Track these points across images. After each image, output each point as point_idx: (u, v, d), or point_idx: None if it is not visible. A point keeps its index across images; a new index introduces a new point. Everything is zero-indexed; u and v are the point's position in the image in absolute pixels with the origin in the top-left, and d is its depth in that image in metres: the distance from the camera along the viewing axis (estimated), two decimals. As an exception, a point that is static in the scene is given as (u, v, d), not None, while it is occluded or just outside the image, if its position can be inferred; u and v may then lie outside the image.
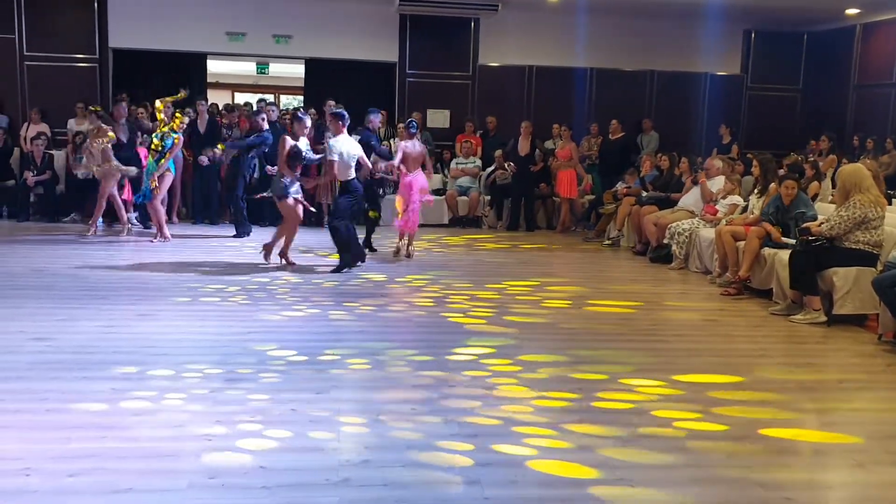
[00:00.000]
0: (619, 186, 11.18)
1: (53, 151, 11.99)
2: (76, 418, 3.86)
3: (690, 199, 9.64)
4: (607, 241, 10.79)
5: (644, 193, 10.47)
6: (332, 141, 8.14)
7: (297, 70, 15.19)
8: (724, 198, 9.02)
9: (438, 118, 14.05)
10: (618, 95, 13.98)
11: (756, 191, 8.45)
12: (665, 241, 9.23)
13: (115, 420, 3.84)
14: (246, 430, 3.77)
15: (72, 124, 12.59)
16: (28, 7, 12.88)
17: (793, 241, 7.13)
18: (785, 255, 6.94)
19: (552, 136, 13.17)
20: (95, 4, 13.03)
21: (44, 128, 12.38)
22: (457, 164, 12.92)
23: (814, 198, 8.71)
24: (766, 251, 7.37)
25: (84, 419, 3.85)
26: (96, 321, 5.73)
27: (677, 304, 7.25)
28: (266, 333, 5.57)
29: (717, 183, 9.28)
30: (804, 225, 6.93)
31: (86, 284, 7.07)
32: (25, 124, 12.55)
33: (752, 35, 14.41)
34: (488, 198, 12.43)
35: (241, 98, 18.23)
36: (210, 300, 6.57)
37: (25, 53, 13.00)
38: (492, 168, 12.54)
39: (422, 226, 12.22)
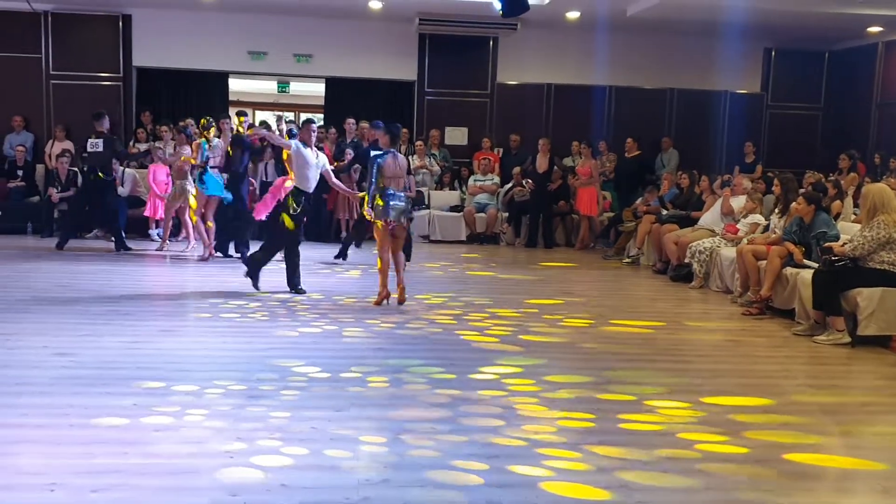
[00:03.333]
0: (639, 204, 11.15)
1: (77, 168, 12.13)
2: (99, 433, 3.88)
3: (711, 217, 9.59)
4: (627, 259, 10.76)
5: (664, 211, 10.43)
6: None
7: (317, 88, 15.31)
8: (745, 216, 8.97)
9: (456, 135, 14.11)
10: (637, 113, 13.97)
11: (777, 210, 8.40)
12: (686, 259, 9.18)
13: (138, 436, 3.86)
14: (267, 447, 3.78)
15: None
16: (54, 27, 13.09)
17: (815, 262, 7.08)
18: (808, 274, 6.88)
19: (571, 154, 13.18)
20: (120, 24, 13.22)
21: (68, 145, 12.53)
22: (475, 181, 12.95)
23: (836, 217, 8.64)
24: (789, 271, 7.31)
25: (107, 434, 3.87)
26: (119, 337, 5.77)
27: (699, 324, 7.20)
28: (286, 350, 5.59)
29: (739, 201, 9.24)
30: (826, 245, 6.87)
31: (109, 300, 7.12)
32: (50, 141, 12.73)
33: (773, 53, 14.37)
34: (506, 215, 12.44)
35: (260, 116, 18.38)
36: (231, 316, 6.61)
37: (51, 72, 13.20)
38: (510, 185, 12.56)
39: (439, 242, 12.37)
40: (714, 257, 8.84)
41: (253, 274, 7.81)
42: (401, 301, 7.30)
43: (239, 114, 10.98)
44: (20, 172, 12.20)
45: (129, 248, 10.33)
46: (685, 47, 13.67)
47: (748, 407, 4.75)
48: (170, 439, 3.84)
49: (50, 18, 13.05)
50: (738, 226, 8.97)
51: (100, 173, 10.33)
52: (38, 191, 12.12)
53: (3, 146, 12.72)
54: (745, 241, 8.42)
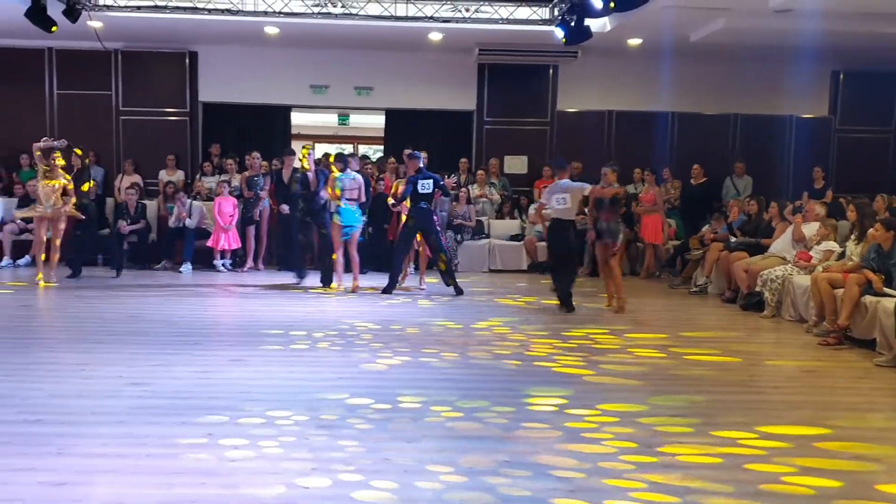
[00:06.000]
0: (706, 231, 10.94)
1: (146, 201, 12.43)
2: (176, 464, 3.89)
3: (782, 244, 9.35)
4: (694, 288, 10.53)
5: (732, 239, 10.20)
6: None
7: (375, 120, 15.47)
8: (818, 243, 8.71)
9: (516, 164, 14.10)
10: (700, 139, 13.79)
11: (853, 237, 8.14)
12: (756, 288, 8.94)
13: (214, 466, 3.86)
14: (342, 479, 3.74)
15: (163, 175, 13.08)
16: (124, 65, 13.52)
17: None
18: (889, 303, 6.62)
19: (633, 181, 13.03)
20: (187, 61, 13.59)
21: (137, 178, 12.88)
22: (535, 209, 12.85)
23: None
24: (868, 299, 7.05)
25: (184, 465, 3.88)
26: (191, 367, 5.83)
27: (773, 354, 6.99)
28: (353, 380, 5.57)
29: (811, 228, 8.98)
30: (909, 271, 6.62)
31: (178, 330, 7.22)
32: (120, 175, 13.09)
33: (841, 76, 14.05)
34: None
35: (321, 148, 18.62)
36: (297, 346, 6.63)
37: (121, 108, 13.61)
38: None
39: (499, 271, 12.30)
40: (787, 285, 8.59)
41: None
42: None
43: (304, 147, 11.12)
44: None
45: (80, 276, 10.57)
46: (749, 72, 13.44)
47: (834, 437, 4.55)
48: (246, 470, 3.83)
49: (120, 56, 13.49)
50: (811, 253, 8.72)
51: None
52: (108, 223, 12.42)
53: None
54: (819, 268, 8.17)
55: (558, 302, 8.88)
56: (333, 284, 10.00)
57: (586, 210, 11.81)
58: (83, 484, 3.62)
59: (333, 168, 9.94)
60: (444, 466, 3.93)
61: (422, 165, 9.82)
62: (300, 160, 10.36)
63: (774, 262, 9.08)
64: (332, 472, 3.81)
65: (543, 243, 12.23)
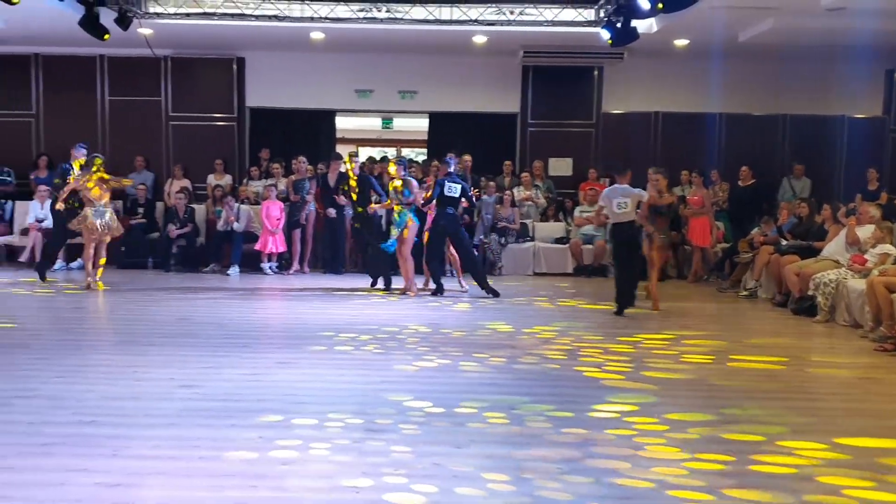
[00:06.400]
0: (755, 234, 10.75)
1: (195, 205, 12.61)
2: (227, 467, 3.92)
3: (835, 247, 9.14)
4: (744, 292, 10.35)
5: (783, 242, 10.01)
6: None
7: (420, 123, 15.50)
8: (873, 247, 8.50)
9: (561, 166, 14.02)
10: (749, 140, 13.57)
11: (910, 239, 7.94)
12: (809, 292, 8.75)
13: (265, 469, 3.89)
14: (392, 483, 3.74)
15: (211, 179, 13.27)
16: (174, 72, 13.76)
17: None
18: (950, 307, 6.43)
19: (680, 183, 12.87)
20: (234, 67, 13.78)
21: (186, 183, 13.08)
22: (581, 212, 12.79)
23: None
24: (927, 303, 6.86)
25: (235, 468, 3.91)
26: (240, 369, 5.89)
27: (827, 360, 6.83)
28: (400, 384, 5.57)
29: (866, 230, 8.77)
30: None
31: (227, 332, 7.31)
32: (169, 180, 13.30)
33: (896, 75, 13.73)
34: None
35: (364, 152, 18.69)
36: (344, 349, 6.66)
37: (170, 114, 13.85)
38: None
39: (544, 275, 12.23)
40: (840, 289, 8.39)
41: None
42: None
43: (351, 154, 11.20)
44: (141, 210, 12.77)
45: (46, 280, 10.46)
46: (799, 71, 13.16)
47: (892, 450, 4.42)
48: (296, 473, 3.85)
49: (169, 63, 13.72)
50: (866, 256, 8.51)
51: (75, 203, 10.29)
52: (157, 227, 12.64)
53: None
54: (875, 272, 7.96)
55: (615, 304, 8.84)
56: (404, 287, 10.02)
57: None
58: (136, 486, 3.66)
59: (392, 172, 9.97)
60: (496, 473, 3.89)
61: (451, 170, 9.84)
62: (345, 164, 10.40)
63: (827, 266, 8.88)
64: (382, 476, 3.80)
65: (589, 246, 12.18)
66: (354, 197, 10.57)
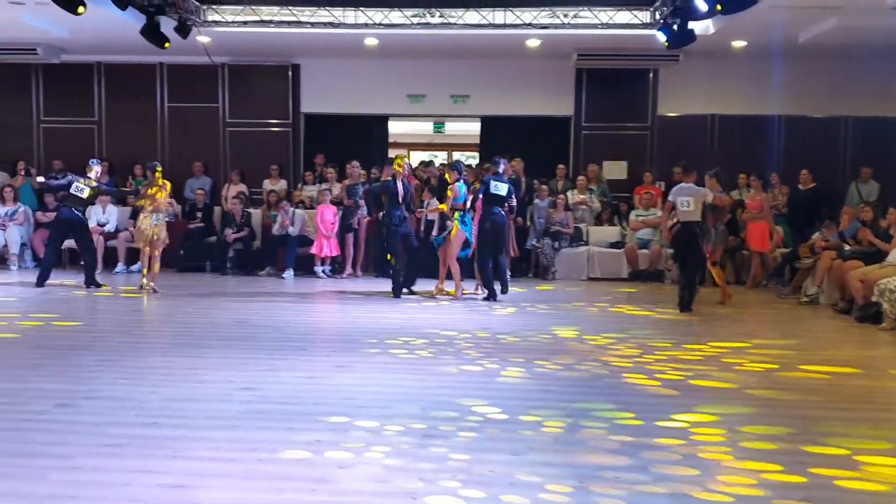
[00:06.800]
0: (817, 239, 10.49)
1: (251, 210, 12.80)
2: (286, 469, 3.96)
3: (901, 252, 8.88)
4: (805, 299, 10.10)
5: (846, 247, 9.75)
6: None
7: (471, 127, 15.52)
8: (942, 252, 8.24)
9: (615, 170, 13.89)
10: (809, 143, 13.27)
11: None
12: (873, 298, 8.50)
13: (323, 472, 3.91)
14: (449, 488, 3.72)
15: (266, 184, 13.46)
16: (231, 79, 14.01)
17: None
18: None
19: (738, 187, 12.63)
20: (290, 74, 13.97)
21: (242, 188, 13.28)
22: (636, 215, 12.64)
23: None
24: None
25: (294, 470, 3.94)
26: (297, 372, 5.95)
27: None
28: (457, 389, 5.56)
29: (934, 235, 8.50)
30: None
31: (283, 335, 7.39)
32: (226, 185, 13.52)
33: (969, 73, 13.26)
34: (671, 251, 12.00)
35: (416, 156, 18.79)
36: (399, 353, 6.68)
37: (227, 120, 14.09)
38: (674, 220, 12.13)
39: (598, 280, 12.12)
40: (906, 296, 8.14)
41: None
42: None
43: (398, 157, 11.25)
44: (199, 214, 13.01)
45: (100, 285, 10.44)
46: (862, 72, 12.78)
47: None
48: (354, 477, 3.86)
49: (226, 70, 13.97)
50: (934, 262, 8.24)
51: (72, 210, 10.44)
52: (215, 231, 12.86)
53: (184, 190, 13.63)
54: (944, 278, 7.71)
55: (678, 302, 9.08)
56: (452, 290, 10.01)
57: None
58: (199, 487, 3.71)
59: (449, 177, 10.00)
60: (555, 482, 3.85)
61: (500, 171, 9.82)
62: (397, 168, 10.41)
63: (892, 272, 8.62)
64: (439, 483, 3.79)
65: (645, 251, 12.03)
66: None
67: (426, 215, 10.88)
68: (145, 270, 10.19)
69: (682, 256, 9.26)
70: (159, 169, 10.26)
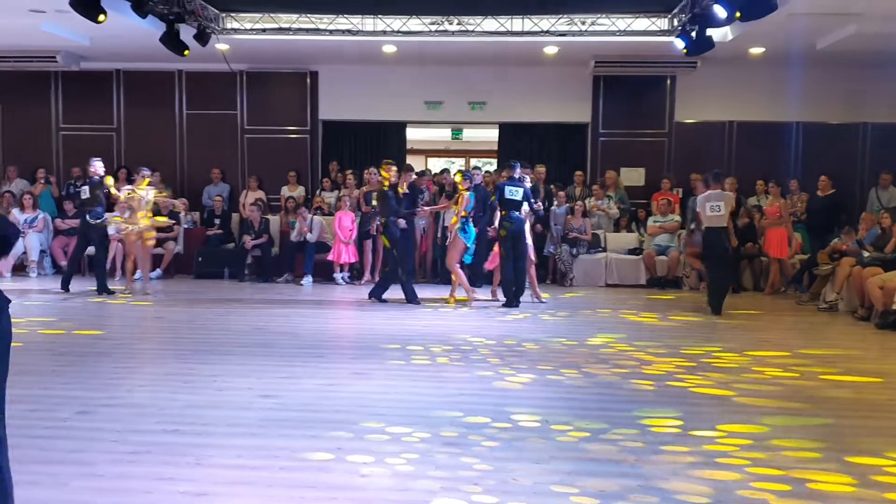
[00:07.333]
0: (836, 244, 10.42)
1: (269, 216, 12.86)
2: (308, 477, 3.97)
3: (922, 260, 8.81)
4: (824, 305, 10.03)
5: (865, 254, 9.68)
6: None
7: (489, 134, 15.54)
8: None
9: (633, 176, 13.86)
10: (827, 150, 13.20)
11: None
12: (893, 306, 8.45)
13: (345, 480, 3.92)
14: (472, 498, 3.72)
15: (285, 191, 13.52)
16: (249, 86, 14.08)
17: None
18: None
19: (756, 193, 12.58)
20: (308, 81, 14.03)
21: (260, 194, 13.35)
22: (654, 221, 12.60)
23: None
24: None
25: (315, 478, 3.95)
26: (316, 379, 5.96)
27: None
28: (476, 396, 5.56)
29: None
30: None
31: (302, 342, 7.43)
32: (244, 191, 13.59)
33: None
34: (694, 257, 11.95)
35: (433, 163, 18.82)
36: (418, 361, 6.69)
37: (245, 127, 14.17)
38: (693, 226, 12.10)
39: (616, 286, 12.08)
40: (928, 304, 8.08)
41: None
42: None
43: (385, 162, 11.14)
44: (217, 221, 13.08)
45: (112, 291, 10.54)
46: (881, 78, 12.70)
47: None
48: (376, 485, 3.87)
49: (245, 77, 14.05)
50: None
51: (86, 216, 10.63)
52: (233, 238, 12.93)
53: (202, 196, 13.72)
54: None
55: (708, 306, 9.51)
56: (463, 297, 10.01)
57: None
58: (222, 495, 3.73)
59: (461, 186, 10.02)
60: (572, 488, 3.85)
61: (515, 175, 9.82)
62: (384, 174, 10.30)
63: (914, 279, 8.56)
64: (461, 491, 3.79)
65: (663, 257, 11.99)
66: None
67: (430, 217, 10.95)
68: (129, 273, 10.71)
69: (713, 260, 9.54)
70: (147, 178, 10.64)
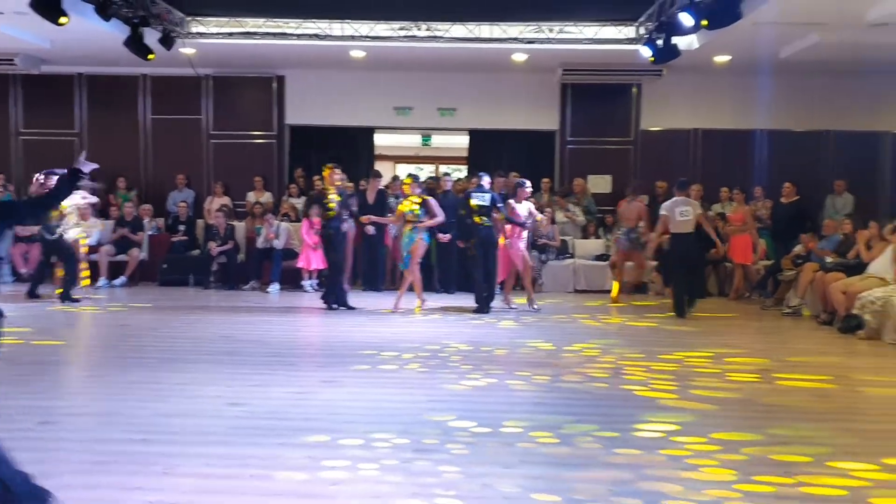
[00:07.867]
0: (798, 250, 10.59)
1: (235, 223, 12.73)
2: (278, 486, 3.93)
3: (881, 265, 8.97)
4: (787, 310, 10.18)
5: (828, 259, 9.85)
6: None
7: (458, 141, 15.57)
8: (922, 264, 8.34)
9: (600, 183, 13.96)
10: (792, 157, 13.37)
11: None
12: (855, 310, 8.59)
13: (316, 489, 3.88)
14: (442, 502, 3.71)
15: (251, 196, 13.40)
16: (215, 90, 13.96)
17: None
18: None
19: (720, 200, 12.74)
20: (274, 85, 13.94)
21: (226, 200, 13.21)
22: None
23: None
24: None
25: (286, 487, 3.91)
26: (285, 387, 5.90)
27: (875, 380, 6.67)
28: (445, 402, 5.55)
29: (915, 248, 8.60)
30: None
31: (271, 350, 7.35)
32: (209, 198, 13.44)
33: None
34: (655, 263, 12.06)
35: (403, 169, 18.79)
36: (388, 367, 6.66)
37: (211, 132, 14.03)
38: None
39: (584, 292, 12.15)
40: (888, 307, 8.23)
41: None
42: None
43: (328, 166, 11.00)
44: (182, 227, 12.92)
45: (76, 300, 10.28)
46: (844, 87, 12.96)
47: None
48: (346, 493, 3.84)
49: (211, 82, 13.92)
50: (915, 274, 8.34)
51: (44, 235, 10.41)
52: (198, 244, 12.77)
53: (167, 202, 13.54)
54: (925, 290, 7.80)
55: (675, 311, 9.70)
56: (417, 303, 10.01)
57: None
58: (194, 504, 3.68)
59: (406, 190, 10.00)
60: (546, 494, 3.86)
61: (483, 183, 9.97)
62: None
63: (874, 284, 8.73)
64: (433, 497, 3.78)
65: (630, 263, 12.05)
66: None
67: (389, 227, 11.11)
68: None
69: (683, 264, 9.77)
70: None
